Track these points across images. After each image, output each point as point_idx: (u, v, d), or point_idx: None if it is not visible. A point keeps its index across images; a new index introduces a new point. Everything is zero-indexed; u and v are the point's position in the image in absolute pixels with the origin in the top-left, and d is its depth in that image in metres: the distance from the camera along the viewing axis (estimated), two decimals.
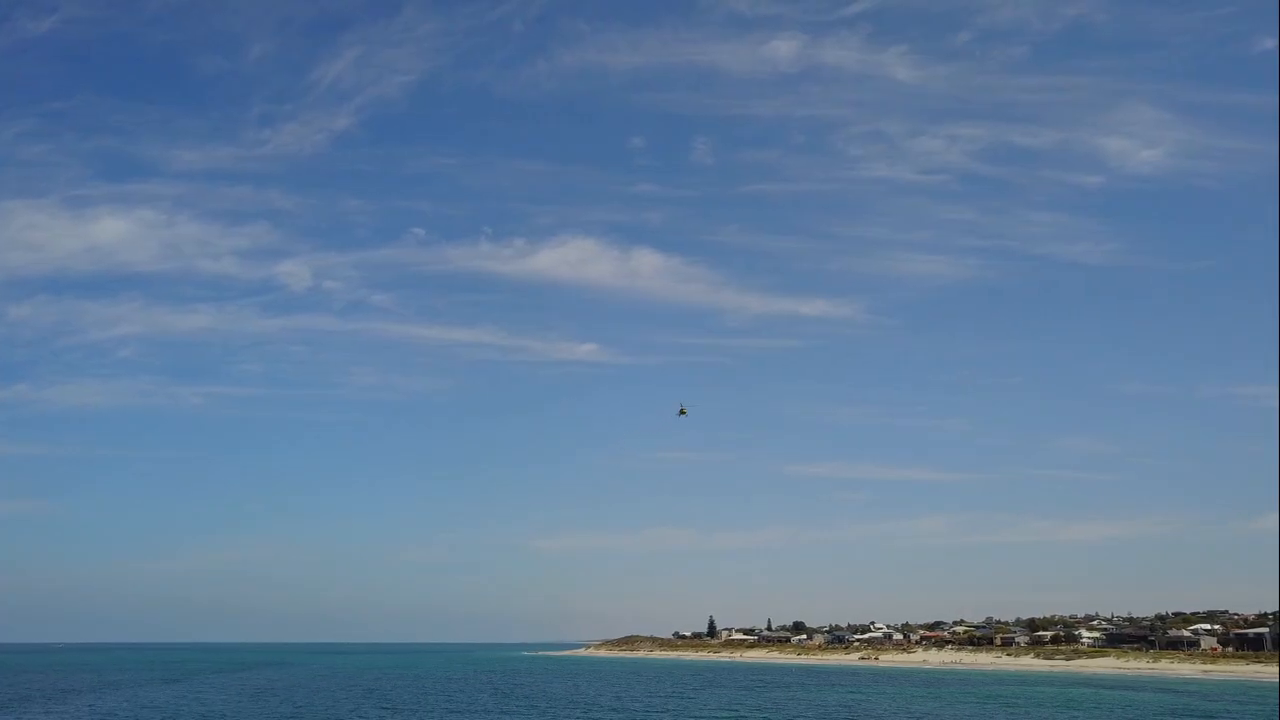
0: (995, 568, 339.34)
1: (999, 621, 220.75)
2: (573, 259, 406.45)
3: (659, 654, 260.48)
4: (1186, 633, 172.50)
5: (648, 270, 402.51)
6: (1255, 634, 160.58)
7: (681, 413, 61.91)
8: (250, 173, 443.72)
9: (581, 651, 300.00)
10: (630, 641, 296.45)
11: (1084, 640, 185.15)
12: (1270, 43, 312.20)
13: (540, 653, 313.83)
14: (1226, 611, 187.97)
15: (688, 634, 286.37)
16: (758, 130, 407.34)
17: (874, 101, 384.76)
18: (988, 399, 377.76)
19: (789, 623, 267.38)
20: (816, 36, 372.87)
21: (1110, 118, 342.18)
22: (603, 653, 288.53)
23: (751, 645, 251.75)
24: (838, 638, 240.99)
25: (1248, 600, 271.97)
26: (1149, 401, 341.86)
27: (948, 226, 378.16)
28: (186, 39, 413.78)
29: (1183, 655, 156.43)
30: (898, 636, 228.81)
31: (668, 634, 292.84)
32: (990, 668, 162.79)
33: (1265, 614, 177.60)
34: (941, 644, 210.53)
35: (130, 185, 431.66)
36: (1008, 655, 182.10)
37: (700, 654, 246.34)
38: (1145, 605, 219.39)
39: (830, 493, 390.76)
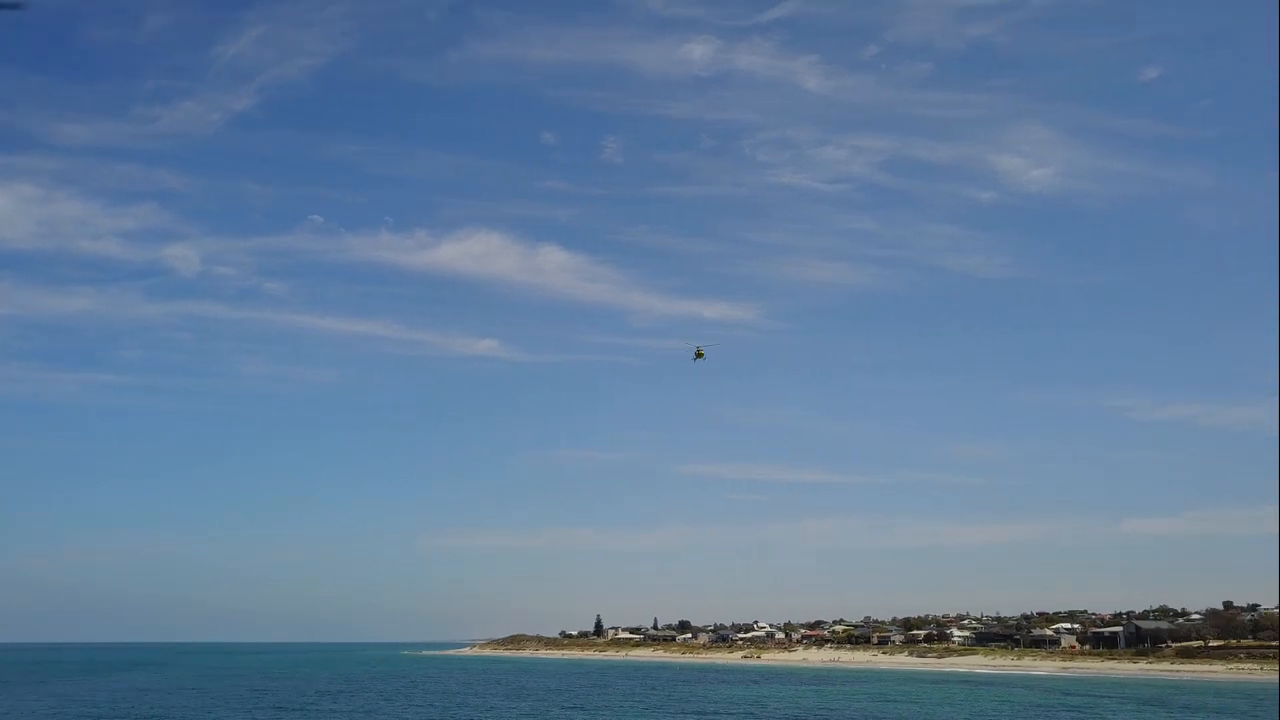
0: (878, 568, 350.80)
1: (876, 621, 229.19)
2: (477, 253, 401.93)
3: (545, 653, 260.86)
4: (1049, 632, 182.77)
5: (554, 267, 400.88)
6: (1110, 633, 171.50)
7: (699, 355, 59.94)
8: (140, 150, 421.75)
9: (466, 651, 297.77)
10: (516, 640, 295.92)
11: (955, 639, 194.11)
12: (1153, 73, 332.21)
13: (423, 652, 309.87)
14: (1086, 612, 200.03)
15: (574, 633, 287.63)
16: (669, 132, 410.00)
17: (784, 109, 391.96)
18: (879, 404, 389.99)
19: (675, 621, 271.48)
20: (731, 41, 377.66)
21: (1005, 136, 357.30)
22: (488, 652, 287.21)
23: (638, 644, 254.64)
24: (722, 636, 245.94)
25: (1107, 601, 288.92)
26: (1030, 410, 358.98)
27: (849, 235, 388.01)
28: (76, 5, 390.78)
29: (1044, 653, 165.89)
30: (780, 635, 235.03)
31: (554, 633, 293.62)
32: (867, 665, 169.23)
33: (1120, 614, 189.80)
34: (821, 643, 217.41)
35: (7, 158, 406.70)
36: (883, 653, 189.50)
37: (587, 653, 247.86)
38: (1014, 605, 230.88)
39: (723, 493, 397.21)
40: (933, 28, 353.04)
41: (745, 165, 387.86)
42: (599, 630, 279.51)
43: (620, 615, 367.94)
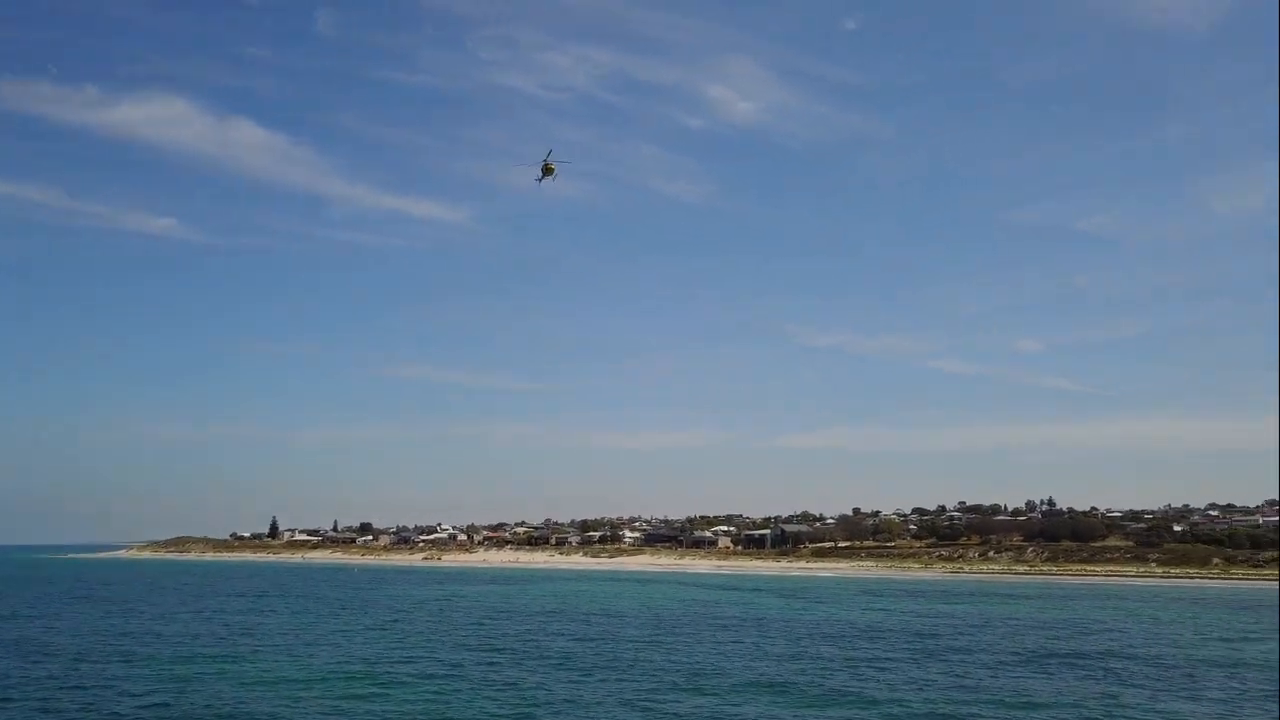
0: (561, 472, 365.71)
1: (556, 523, 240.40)
2: (158, 118, 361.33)
3: (213, 556, 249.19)
4: (709, 534, 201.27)
5: (247, 143, 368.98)
6: (760, 535, 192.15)
7: (547, 171, 47.88)
8: None
9: (123, 554, 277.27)
10: (181, 543, 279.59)
11: (627, 540, 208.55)
12: (853, 24, 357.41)
13: (69, 555, 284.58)
14: (742, 515, 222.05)
15: (247, 535, 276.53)
16: (389, 12, 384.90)
17: (511, 7, 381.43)
18: (572, 316, 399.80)
19: (356, 524, 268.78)
20: None
21: (719, 66, 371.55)
22: (147, 555, 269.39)
23: (315, 546, 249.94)
24: (404, 538, 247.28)
25: (761, 506, 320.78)
26: (715, 329, 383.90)
27: (565, 146, 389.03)
28: None
29: (703, 553, 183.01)
30: (462, 537, 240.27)
31: (224, 535, 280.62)
32: (545, 565, 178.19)
33: (769, 518, 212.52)
34: (502, 544, 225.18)
35: None
36: (560, 554, 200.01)
37: (260, 555, 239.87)
38: (681, 509, 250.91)
39: (412, 394, 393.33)
40: None
41: (468, 60, 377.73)
42: (274, 532, 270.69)
43: (298, 517, 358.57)
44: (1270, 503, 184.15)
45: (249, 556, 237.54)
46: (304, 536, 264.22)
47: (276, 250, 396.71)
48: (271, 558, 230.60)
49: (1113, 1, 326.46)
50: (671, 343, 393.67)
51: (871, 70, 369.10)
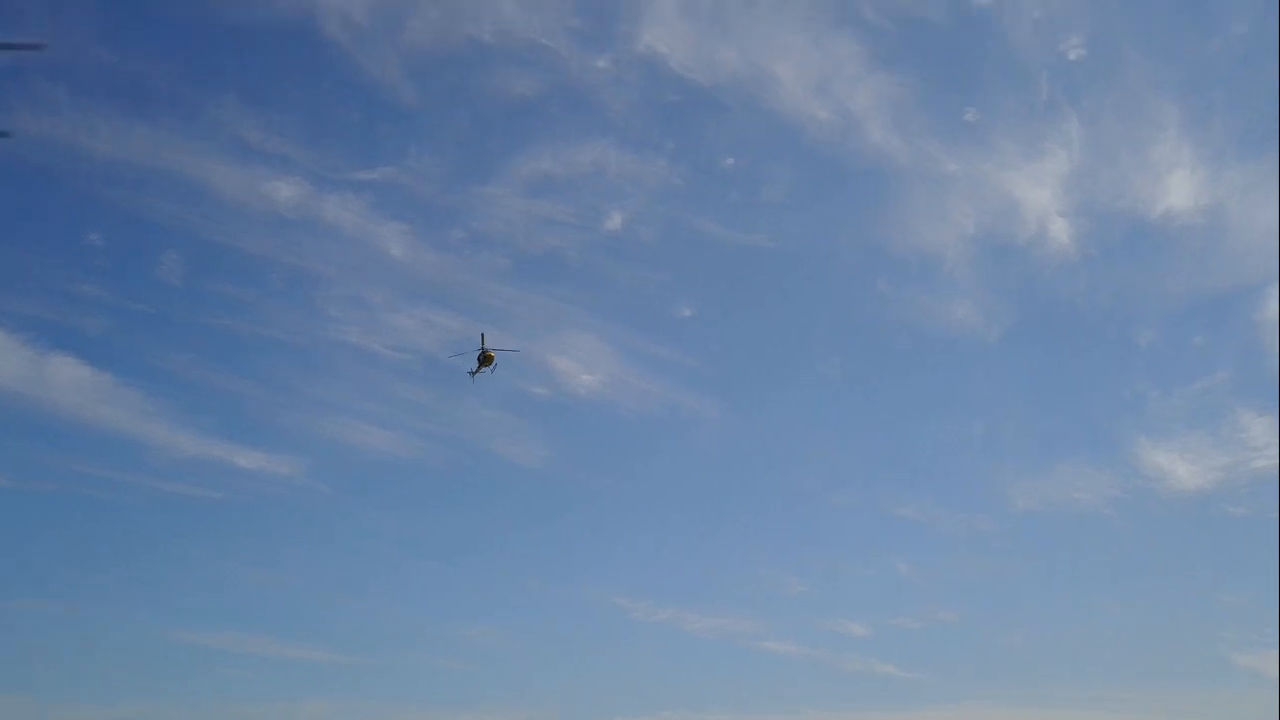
0: None
1: None
2: None
3: None
4: None
5: (66, 382, 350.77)
6: None
7: (485, 362, 41.64)
8: None
9: None
10: None
11: None
12: (689, 312, 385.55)
13: None
14: None
15: None
16: (238, 264, 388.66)
17: (363, 268, 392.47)
18: (400, 582, 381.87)
19: None
20: (322, 190, 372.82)
21: (563, 339, 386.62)
22: None
23: None
24: None
25: None
26: (544, 597, 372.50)
27: (406, 406, 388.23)
28: None
29: None
30: None
31: None
32: None
33: None
34: None
35: None
36: None
37: None
38: None
39: (221, 667, 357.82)
40: (516, 229, 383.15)
41: (314, 316, 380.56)
42: None
43: None
44: None
45: None
46: None
47: (76, 495, 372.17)
48: None
49: (913, 310, 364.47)
50: (497, 612, 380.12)
51: (702, 353, 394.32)
